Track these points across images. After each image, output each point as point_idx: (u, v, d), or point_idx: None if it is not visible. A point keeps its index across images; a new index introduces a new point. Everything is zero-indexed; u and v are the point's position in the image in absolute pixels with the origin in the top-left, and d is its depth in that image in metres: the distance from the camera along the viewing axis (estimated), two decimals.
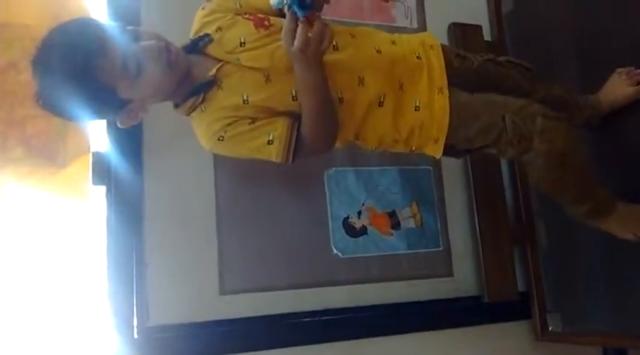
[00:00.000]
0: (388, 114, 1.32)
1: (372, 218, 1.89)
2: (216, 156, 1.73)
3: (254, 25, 1.28)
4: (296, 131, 1.24)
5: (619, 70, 1.61)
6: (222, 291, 1.71)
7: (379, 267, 1.87)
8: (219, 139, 1.24)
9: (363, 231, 1.88)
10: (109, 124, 1.69)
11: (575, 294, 1.85)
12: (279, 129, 1.23)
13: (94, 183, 1.66)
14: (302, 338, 1.73)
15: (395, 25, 2.09)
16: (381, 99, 1.31)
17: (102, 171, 1.67)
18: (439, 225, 1.97)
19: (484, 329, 1.91)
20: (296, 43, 1.12)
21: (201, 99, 1.25)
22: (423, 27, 2.12)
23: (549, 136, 1.30)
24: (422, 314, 1.86)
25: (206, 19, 1.31)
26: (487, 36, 2.17)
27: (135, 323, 1.61)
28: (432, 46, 1.40)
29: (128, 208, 1.66)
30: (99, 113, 1.24)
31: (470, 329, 1.90)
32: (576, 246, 1.81)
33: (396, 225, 1.91)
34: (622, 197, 1.49)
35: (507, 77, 1.52)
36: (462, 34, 2.12)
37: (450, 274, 1.95)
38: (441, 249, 1.95)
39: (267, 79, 1.25)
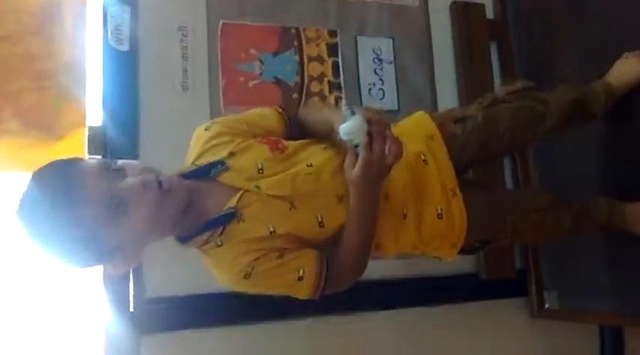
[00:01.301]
0: (412, 225, 1.25)
1: None
2: None
3: (269, 149, 1.17)
4: (326, 263, 1.15)
5: (627, 54, 1.59)
6: None
7: None
8: (245, 277, 1.11)
9: None
10: (104, 99, 1.69)
11: (572, 272, 1.86)
12: (309, 264, 1.14)
13: (90, 155, 1.65)
14: (296, 312, 1.73)
15: (396, 3, 2.07)
16: (405, 212, 1.24)
17: (98, 145, 1.66)
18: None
19: (481, 306, 1.93)
20: (357, 167, 1.06)
21: (219, 232, 1.12)
22: (424, 5, 2.11)
23: (540, 230, 1.44)
24: (419, 290, 1.86)
25: (213, 142, 1.19)
26: (489, 14, 2.15)
27: (131, 296, 1.61)
28: (431, 137, 1.34)
29: None
30: (87, 263, 1.09)
31: (467, 305, 1.91)
32: None
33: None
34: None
35: (519, 115, 1.42)
36: (464, 12, 2.10)
37: None
38: None
39: (292, 206, 1.14)
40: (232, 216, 1.11)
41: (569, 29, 1.83)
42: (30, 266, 1.65)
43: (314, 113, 1.33)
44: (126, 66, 1.74)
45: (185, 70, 1.80)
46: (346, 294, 1.74)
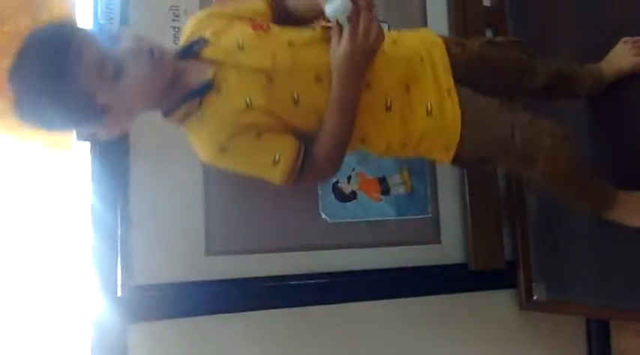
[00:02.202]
0: (397, 118, 1.25)
1: (362, 183, 1.88)
2: None
3: (252, 28, 1.21)
4: (303, 152, 1.17)
5: (624, 39, 1.58)
6: (208, 252, 1.69)
7: (367, 233, 1.86)
8: (221, 150, 1.15)
9: (353, 196, 1.86)
10: None
11: (561, 265, 1.86)
12: (286, 149, 1.16)
13: (79, 138, 1.63)
14: (287, 301, 1.73)
15: None
16: (388, 104, 1.24)
17: None
18: (429, 192, 1.95)
19: (469, 297, 1.93)
20: (342, 42, 1.10)
21: (197, 103, 1.15)
22: None
23: (555, 156, 1.29)
24: (408, 279, 1.86)
25: (199, 25, 1.24)
26: (486, 2, 2.12)
27: (119, 282, 1.60)
28: (433, 43, 1.34)
29: (113, 165, 1.63)
30: (79, 123, 1.15)
31: (455, 296, 1.91)
32: (565, 217, 1.81)
33: (385, 191, 1.90)
34: (624, 172, 1.51)
35: (509, 58, 1.46)
36: (460, 0, 2.07)
37: (438, 241, 1.95)
38: (430, 215, 1.95)
39: (269, 80, 1.16)
40: (209, 86, 1.15)
41: (566, 18, 1.81)
42: (17, 246, 1.64)
43: None
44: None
45: None
46: (334, 284, 1.79)
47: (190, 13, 1.75)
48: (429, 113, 1.25)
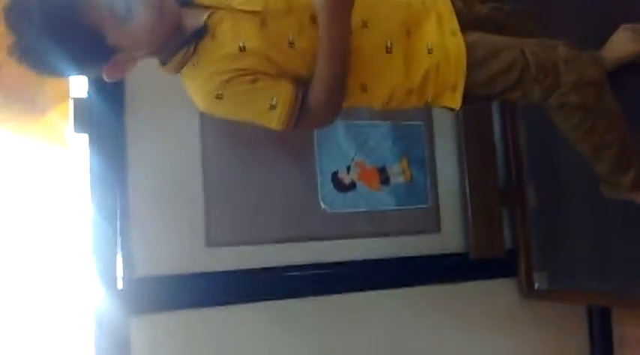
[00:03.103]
0: (398, 60, 1.20)
1: (362, 173, 1.87)
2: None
3: None
4: (300, 97, 1.13)
5: (624, 25, 1.56)
6: (209, 243, 1.69)
7: (367, 222, 1.86)
8: (217, 97, 1.12)
9: (352, 186, 1.85)
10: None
11: (561, 253, 1.85)
12: (283, 93, 1.12)
13: (76, 130, 1.62)
14: (287, 292, 1.73)
15: None
16: (388, 45, 1.19)
17: (83, 119, 1.62)
18: (428, 182, 1.95)
19: (470, 286, 1.93)
20: None
21: (192, 50, 1.12)
22: None
23: (575, 65, 1.20)
24: (408, 269, 1.86)
25: None
26: None
27: (119, 274, 1.59)
28: None
29: (111, 157, 1.62)
30: (84, 64, 1.11)
31: (456, 285, 1.91)
32: (565, 206, 1.81)
33: (385, 181, 1.89)
34: None
35: (518, 25, 1.39)
36: None
37: (438, 230, 1.94)
38: (430, 205, 1.94)
39: (263, 23, 1.12)
40: (202, 31, 1.12)
41: (565, 3, 1.79)
42: (17, 240, 1.63)
43: None
44: None
45: None
46: (334, 274, 1.78)
47: None
48: (429, 52, 1.21)
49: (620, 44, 1.53)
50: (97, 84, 1.62)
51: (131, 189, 1.63)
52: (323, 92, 1.14)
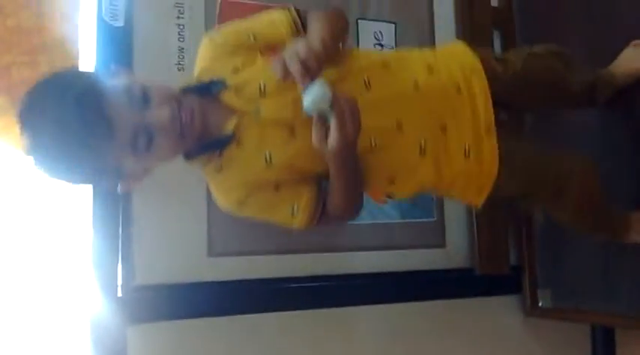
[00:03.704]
0: (430, 163, 1.17)
1: None
2: None
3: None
4: (321, 202, 1.14)
5: (634, 42, 1.55)
6: (211, 253, 1.68)
7: (370, 235, 1.84)
8: (239, 204, 1.14)
9: None
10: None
11: (566, 271, 1.84)
12: (304, 200, 1.14)
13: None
14: (288, 304, 1.71)
15: None
16: (422, 146, 1.15)
17: None
18: (434, 196, 1.93)
19: (473, 302, 1.91)
20: (332, 140, 0.98)
21: (217, 155, 1.12)
22: None
23: (585, 185, 1.30)
24: (412, 284, 1.84)
25: (216, 54, 1.16)
26: (494, 2, 2.10)
27: (119, 282, 1.58)
28: (472, 70, 1.23)
29: None
30: (95, 182, 1.18)
31: (459, 301, 1.89)
32: None
33: (390, 193, 1.87)
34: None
35: (549, 69, 1.37)
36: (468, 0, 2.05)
37: (442, 245, 1.93)
38: (435, 219, 1.93)
39: (292, 133, 1.10)
40: (228, 140, 1.10)
41: (575, 18, 1.79)
42: (18, 248, 1.62)
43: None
44: (120, 42, 1.68)
45: (181, 50, 1.75)
46: (336, 287, 1.77)
47: (196, 10, 1.76)
48: (466, 155, 1.18)
49: (630, 60, 1.53)
50: None
51: (134, 197, 1.62)
52: (340, 203, 1.15)
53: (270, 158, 1.10)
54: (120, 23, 1.68)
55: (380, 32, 1.99)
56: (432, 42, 2.03)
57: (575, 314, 1.81)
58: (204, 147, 1.12)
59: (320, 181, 1.16)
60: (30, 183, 1.66)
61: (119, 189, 1.11)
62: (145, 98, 1.02)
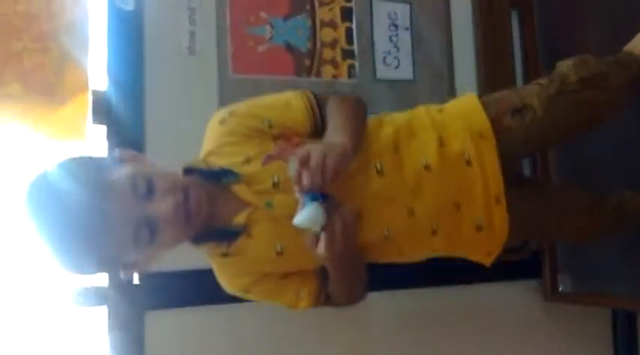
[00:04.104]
0: (442, 240, 1.16)
1: None
2: (221, 103, 1.66)
3: None
4: (325, 289, 1.16)
5: None
6: None
7: None
8: (244, 291, 1.16)
9: None
10: (109, 62, 1.63)
11: (587, 256, 1.81)
12: (308, 287, 1.16)
13: (94, 121, 1.61)
14: None
15: None
16: (434, 228, 1.13)
17: (102, 110, 1.61)
18: None
19: (493, 287, 1.89)
20: (321, 250, 0.96)
21: (226, 245, 1.10)
22: None
23: (584, 230, 1.34)
24: (430, 269, 1.80)
25: (228, 140, 1.11)
26: None
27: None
28: (481, 135, 1.16)
29: (129, 149, 1.59)
30: (100, 272, 1.15)
31: (479, 286, 1.87)
32: None
33: None
34: None
35: (582, 104, 1.21)
36: None
37: None
38: None
39: None
40: (239, 233, 1.08)
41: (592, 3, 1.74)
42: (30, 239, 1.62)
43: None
44: (131, 26, 1.67)
45: (192, 33, 1.73)
46: None
47: None
48: (479, 229, 1.16)
49: None
50: (116, 76, 1.62)
51: None
52: (340, 294, 1.18)
53: (282, 249, 1.09)
54: (130, 7, 1.67)
55: (395, 13, 1.95)
56: (447, 23, 1.99)
57: (596, 298, 1.80)
58: (212, 236, 1.10)
59: (324, 271, 1.15)
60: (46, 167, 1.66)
61: (122, 275, 1.08)
62: (149, 188, 0.99)
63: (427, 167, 1.12)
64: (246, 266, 1.11)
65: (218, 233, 1.09)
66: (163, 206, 0.99)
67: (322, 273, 1.15)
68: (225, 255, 1.11)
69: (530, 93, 1.22)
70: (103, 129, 1.62)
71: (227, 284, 1.17)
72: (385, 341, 1.79)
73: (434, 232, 1.14)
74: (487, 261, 1.27)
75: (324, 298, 1.16)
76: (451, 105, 1.26)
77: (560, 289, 1.88)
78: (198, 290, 1.60)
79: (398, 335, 1.80)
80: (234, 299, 1.60)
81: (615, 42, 1.55)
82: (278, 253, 1.08)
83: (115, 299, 1.54)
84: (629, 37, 1.50)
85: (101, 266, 1.05)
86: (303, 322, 1.70)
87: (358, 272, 1.15)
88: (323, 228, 0.95)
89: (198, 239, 1.11)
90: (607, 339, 2.01)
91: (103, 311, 1.55)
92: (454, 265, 1.82)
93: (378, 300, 1.76)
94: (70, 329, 1.61)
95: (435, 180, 1.12)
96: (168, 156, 1.60)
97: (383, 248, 1.16)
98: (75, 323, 1.61)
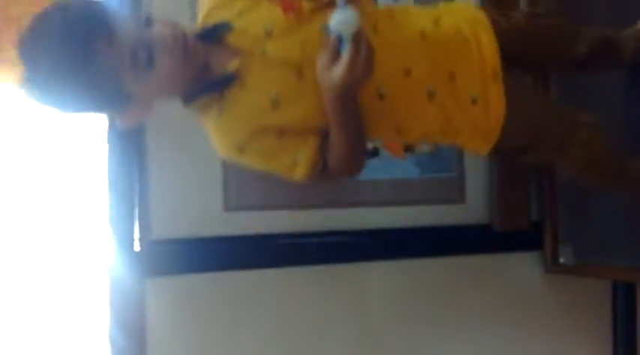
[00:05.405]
0: (438, 108, 1.15)
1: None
2: None
3: (282, 9, 1.07)
4: (323, 156, 1.10)
5: None
6: (227, 207, 1.67)
7: (390, 191, 1.82)
8: (239, 150, 1.08)
9: (375, 152, 1.80)
10: None
11: (588, 227, 1.80)
12: (306, 151, 1.09)
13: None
14: (306, 259, 1.71)
15: None
16: (431, 90, 1.13)
17: None
18: (454, 150, 1.89)
19: (493, 258, 1.89)
20: (339, 70, 0.94)
21: (218, 96, 1.07)
22: None
23: (590, 150, 1.28)
24: (431, 239, 1.83)
25: (220, 2, 1.11)
26: None
27: (136, 236, 1.58)
28: (477, 21, 1.21)
29: None
30: (96, 106, 1.06)
31: (479, 257, 1.87)
32: None
33: (409, 148, 1.84)
34: None
35: (553, 25, 1.36)
36: None
37: (463, 201, 1.90)
38: (455, 174, 1.89)
39: (299, 74, 1.06)
40: (232, 79, 1.06)
41: None
42: (34, 201, 1.62)
43: None
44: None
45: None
46: (353, 243, 1.76)
47: None
48: (474, 102, 1.16)
49: None
50: None
51: (150, 151, 1.61)
52: (341, 156, 1.11)
53: (277, 100, 1.06)
54: None
55: None
56: None
57: (597, 270, 1.79)
58: (205, 88, 1.08)
59: (324, 135, 1.11)
60: (45, 136, 1.65)
61: (119, 121, 1.07)
62: (148, 21, 1.01)
63: (423, 34, 1.14)
64: (241, 119, 1.08)
65: (211, 84, 1.08)
66: (161, 30, 1.01)
67: (321, 141, 1.11)
68: (220, 112, 1.08)
69: (512, 13, 1.35)
70: None
71: (222, 144, 1.12)
72: (383, 312, 1.80)
73: (430, 96, 1.14)
74: (485, 148, 1.23)
75: (321, 167, 1.11)
76: (443, 4, 1.29)
77: (561, 261, 1.87)
78: (198, 257, 1.62)
79: (396, 306, 1.81)
80: (235, 267, 1.64)
81: (625, 18, 1.53)
82: (273, 101, 1.06)
83: (116, 267, 1.55)
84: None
85: (100, 96, 1.00)
86: (306, 289, 1.72)
87: (358, 128, 1.10)
88: (353, 37, 0.94)
89: (192, 95, 1.10)
90: (607, 310, 2.01)
91: (105, 278, 1.56)
92: (455, 234, 1.85)
93: (377, 270, 1.78)
94: (72, 296, 1.62)
95: (431, 47, 1.14)
96: (168, 123, 1.62)
97: (379, 113, 1.13)
98: (77, 289, 1.63)
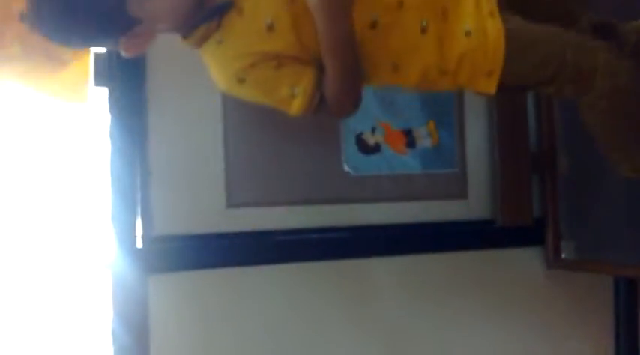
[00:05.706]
0: (433, 41, 1.14)
1: (387, 135, 1.82)
2: None
3: None
4: (320, 89, 1.10)
5: None
6: (229, 204, 1.67)
7: (391, 186, 1.82)
8: (239, 81, 1.09)
9: (377, 148, 1.81)
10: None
11: (591, 223, 1.81)
12: (304, 82, 1.09)
13: (96, 83, 1.59)
14: (308, 255, 1.71)
15: None
16: (424, 25, 1.12)
17: (104, 72, 1.59)
18: (456, 146, 1.89)
19: (495, 254, 1.89)
20: None
21: (216, 25, 1.07)
22: None
23: (611, 75, 1.17)
24: (433, 235, 1.83)
25: None
26: None
27: (139, 233, 1.59)
28: None
29: (132, 112, 1.60)
30: (100, 33, 1.05)
31: (481, 252, 1.87)
32: (596, 175, 1.75)
33: (411, 144, 1.84)
34: None
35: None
36: None
37: (464, 196, 1.90)
38: (457, 170, 1.89)
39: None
40: (228, 6, 1.06)
41: None
42: (34, 197, 1.62)
43: None
44: None
45: None
46: (356, 239, 1.76)
47: None
48: (467, 34, 1.14)
49: None
50: None
51: (152, 147, 1.61)
52: (336, 84, 1.10)
53: (272, 23, 1.06)
54: None
55: None
56: None
57: (599, 265, 1.79)
58: (203, 17, 1.07)
59: (321, 68, 1.11)
60: (47, 130, 1.65)
61: (123, 49, 1.07)
62: None
63: None
64: (239, 46, 1.08)
65: (208, 12, 1.07)
66: None
67: (318, 73, 1.11)
68: (219, 42, 1.08)
69: None
70: (104, 91, 1.60)
71: (222, 75, 1.12)
72: (385, 308, 1.80)
73: (423, 30, 1.13)
74: (490, 85, 1.18)
75: (318, 99, 1.11)
76: None
77: (563, 256, 1.87)
78: (201, 254, 1.62)
79: (398, 302, 1.81)
80: (237, 263, 1.64)
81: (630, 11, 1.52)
82: (268, 26, 1.06)
83: (119, 263, 1.55)
84: None
85: (104, 19, 1.01)
86: (309, 286, 1.73)
87: (351, 56, 1.10)
88: None
89: (190, 26, 1.09)
90: (608, 306, 2.01)
91: (107, 275, 1.56)
92: (457, 229, 1.85)
93: (379, 266, 1.78)
94: (75, 293, 1.62)
95: None
96: (170, 118, 1.63)
97: (373, 46, 1.13)
98: (79, 286, 1.63)
